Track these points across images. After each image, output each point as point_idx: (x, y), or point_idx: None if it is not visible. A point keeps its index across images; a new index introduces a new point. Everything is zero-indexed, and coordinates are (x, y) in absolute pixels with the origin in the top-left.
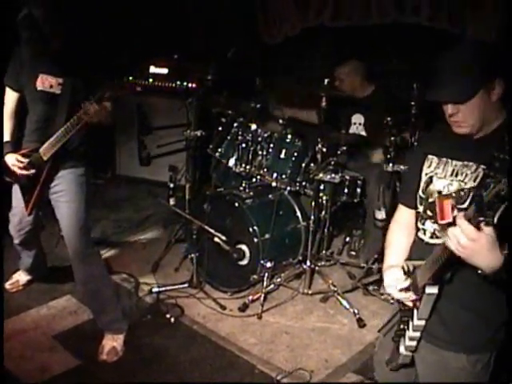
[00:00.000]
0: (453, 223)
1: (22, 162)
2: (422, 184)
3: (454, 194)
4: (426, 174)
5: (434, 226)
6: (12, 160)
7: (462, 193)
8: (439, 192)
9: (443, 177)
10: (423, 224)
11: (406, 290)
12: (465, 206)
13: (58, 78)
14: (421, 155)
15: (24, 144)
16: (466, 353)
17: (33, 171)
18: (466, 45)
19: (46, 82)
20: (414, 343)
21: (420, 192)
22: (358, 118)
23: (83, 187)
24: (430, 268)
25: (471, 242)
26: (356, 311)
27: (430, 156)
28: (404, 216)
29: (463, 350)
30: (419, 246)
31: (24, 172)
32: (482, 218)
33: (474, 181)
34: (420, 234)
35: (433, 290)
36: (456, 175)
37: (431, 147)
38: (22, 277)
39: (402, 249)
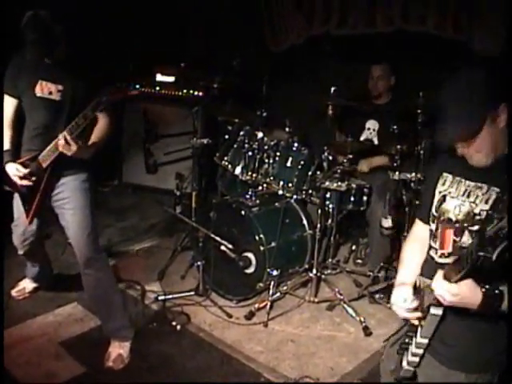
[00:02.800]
0: (452, 253)
1: (21, 172)
2: (436, 202)
3: (458, 223)
4: (440, 192)
5: None
6: (13, 170)
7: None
8: (449, 219)
9: (456, 196)
10: (434, 242)
11: (414, 309)
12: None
13: (58, 84)
14: (437, 172)
15: (23, 152)
16: (464, 371)
17: (33, 180)
18: (466, 76)
19: (45, 89)
20: (416, 359)
21: (433, 210)
22: (372, 124)
23: (87, 193)
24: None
25: (455, 296)
26: (362, 319)
27: (445, 174)
28: (420, 231)
29: (462, 369)
30: (430, 264)
31: (24, 182)
32: (482, 253)
33: (486, 203)
34: (431, 252)
35: (437, 311)
36: (468, 196)
37: (447, 165)
38: (28, 284)
39: (414, 265)
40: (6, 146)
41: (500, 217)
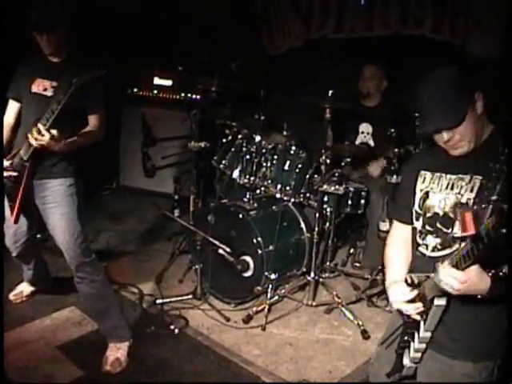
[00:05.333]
0: (475, 235)
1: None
2: (418, 200)
3: (474, 207)
4: (421, 190)
5: (436, 240)
6: None
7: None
8: (460, 203)
9: (439, 191)
10: (423, 239)
11: (413, 301)
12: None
13: (53, 81)
14: (413, 171)
15: (14, 150)
16: (472, 361)
17: (14, 174)
18: (443, 69)
19: (40, 85)
20: (419, 355)
21: (416, 207)
22: (366, 128)
23: (74, 197)
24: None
25: (463, 283)
26: (360, 323)
27: (422, 172)
28: (400, 232)
29: (470, 359)
30: (420, 260)
31: (5, 174)
32: (504, 230)
33: (471, 191)
34: (421, 249)
35: (441, 301)
36: (452, 188)
37: (423, 163)
38: (25, 288)
39: (402, 265)
40: None
41: (487, 201)
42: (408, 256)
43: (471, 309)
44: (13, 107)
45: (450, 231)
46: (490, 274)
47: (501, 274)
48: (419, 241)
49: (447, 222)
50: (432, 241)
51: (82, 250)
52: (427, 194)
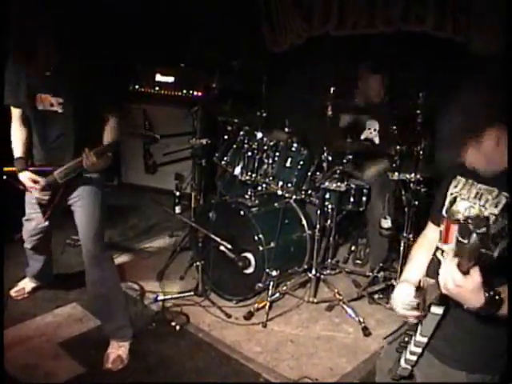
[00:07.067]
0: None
1: (36, 182)
2: (447, 203)
3: (470, 220)
4: (452, 194)
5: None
6: (26, 179)
7: (479, 220)
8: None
9: (466, 198)
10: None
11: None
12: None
13: (58, 97)
14: (451, 175)
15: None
16: (467, 371)
17: (45, 198)
18: (474, 85)
19: (45, 102)
20: (414, 357)
21: (443, 211)
22: (373, 124)
23: (98, 193)
24: (438, 288)
25: (457, 287)
26: (361, 320)
27: (458, 177)
28: (430, 233)
29: (464, 369)
30: (435, 265)
31: (42, 196)
32: (483, 250)
33: (495, 207)
34: (437, 253)
35: (438, 310)
36: (479, 199)
37: (461, 167)
38: (27, 284)
39: (420, 265)
40: (18, 153)
41: (506, 221)
42: (430, 258)
43: (473, 322)
44: (17, 113)
45: (466, 241)
46: (486, 295)
47: (497, 297)
48: (438, 244)
49: (464, 232)
50: (446, 246)
51: (99, 245)
52: (455, 198)
